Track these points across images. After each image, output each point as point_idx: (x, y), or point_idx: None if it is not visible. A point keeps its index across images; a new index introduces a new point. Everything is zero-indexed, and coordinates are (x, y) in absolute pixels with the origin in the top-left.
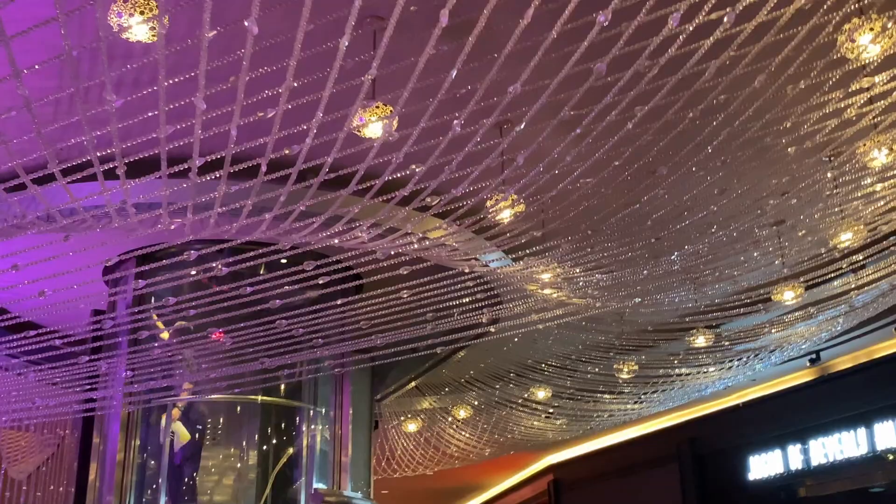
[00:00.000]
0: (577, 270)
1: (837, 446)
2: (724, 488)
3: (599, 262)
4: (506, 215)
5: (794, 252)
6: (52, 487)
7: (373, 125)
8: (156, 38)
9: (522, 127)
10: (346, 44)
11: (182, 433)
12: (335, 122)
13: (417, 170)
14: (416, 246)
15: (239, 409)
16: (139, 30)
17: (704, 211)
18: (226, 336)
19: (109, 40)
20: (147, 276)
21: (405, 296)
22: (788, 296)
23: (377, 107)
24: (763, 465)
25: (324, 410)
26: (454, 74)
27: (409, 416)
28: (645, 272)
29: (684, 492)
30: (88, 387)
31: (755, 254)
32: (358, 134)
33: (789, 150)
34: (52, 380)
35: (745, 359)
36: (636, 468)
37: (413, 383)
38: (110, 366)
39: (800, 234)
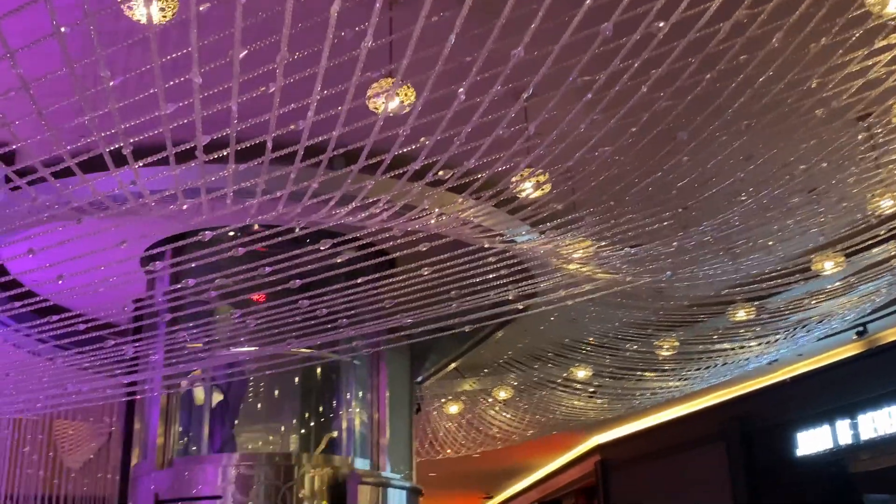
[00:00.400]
0: (603, 244)
1: (888, 420)
2: (772, 465)
3: (625, 234)
4: (526, 187)
5: (830, 219)
6: (99, 475)
7: (391, 100)
8: (167, 19)
9: (530, 92)
10: (337, 10)
11: (197, 396)
12: (354, 100)
13: (427, 142)
14: (433, 222)
15: (278, 365)
16: (145, 10)
17: (731, 178)
18: (251, 316)
19: (125, 25)
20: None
21: (426, 273)
22: (828, 266)
23: (393, 81)
24: (812, 441)
25: (361, 393)
26: (452, 39)
27: (451, 398)
28: (675, 244)
29: (732, 469)
30: (126, 371)
31: (788, 222)
32: (376, 110)
33: (817, 112)
34: (82, 365)
35: (788, 332)
36: (683, 447)
37: (453, 365)
38: (149, 349)
39: (832, 199)
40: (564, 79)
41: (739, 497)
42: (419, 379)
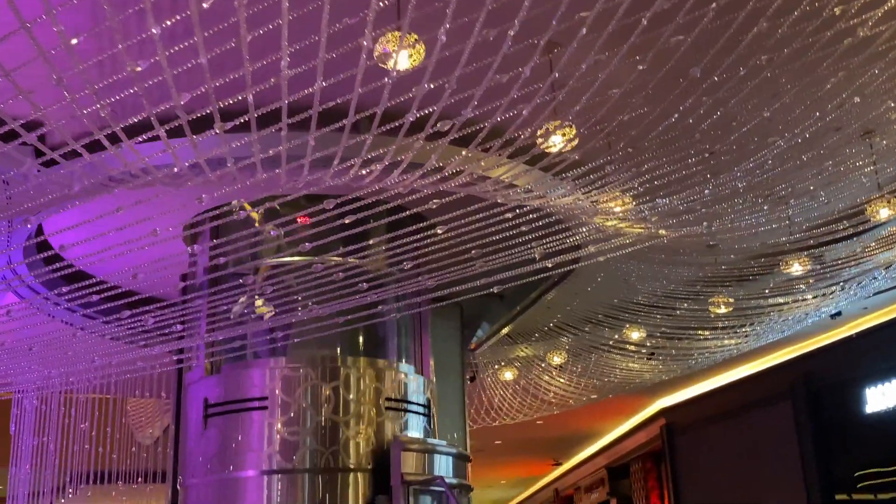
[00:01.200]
0: (629, 196)
1: None
2: (840, 423)
3: (651, 182)
4: (542, 133)
5: (874, 159)
6: (159, 449)
7: (400, 55)
8: None
9: (515, 31)
10: None
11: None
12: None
13: (415, 91)
14: (439, 178)
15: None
16: None
17: (756, 118)
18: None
19: None
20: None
21: (440, 232)
22: (884, 213)
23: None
24: (881, 397)
25: (404, 360)
26: None
27: (504, 364)
28: (707, 191)
29: (799, 428)
30: (175, 339)
31: (828, 163)
32: (383, 66)
33: (846, 41)
34: (118, 335)
35: (846, 284)
36: (749, 407)
37: (504, 330)
38: (195, 319)
39: (875, 139)
40: (565, 21)
41: (807, 456)
42: (473, 346)
